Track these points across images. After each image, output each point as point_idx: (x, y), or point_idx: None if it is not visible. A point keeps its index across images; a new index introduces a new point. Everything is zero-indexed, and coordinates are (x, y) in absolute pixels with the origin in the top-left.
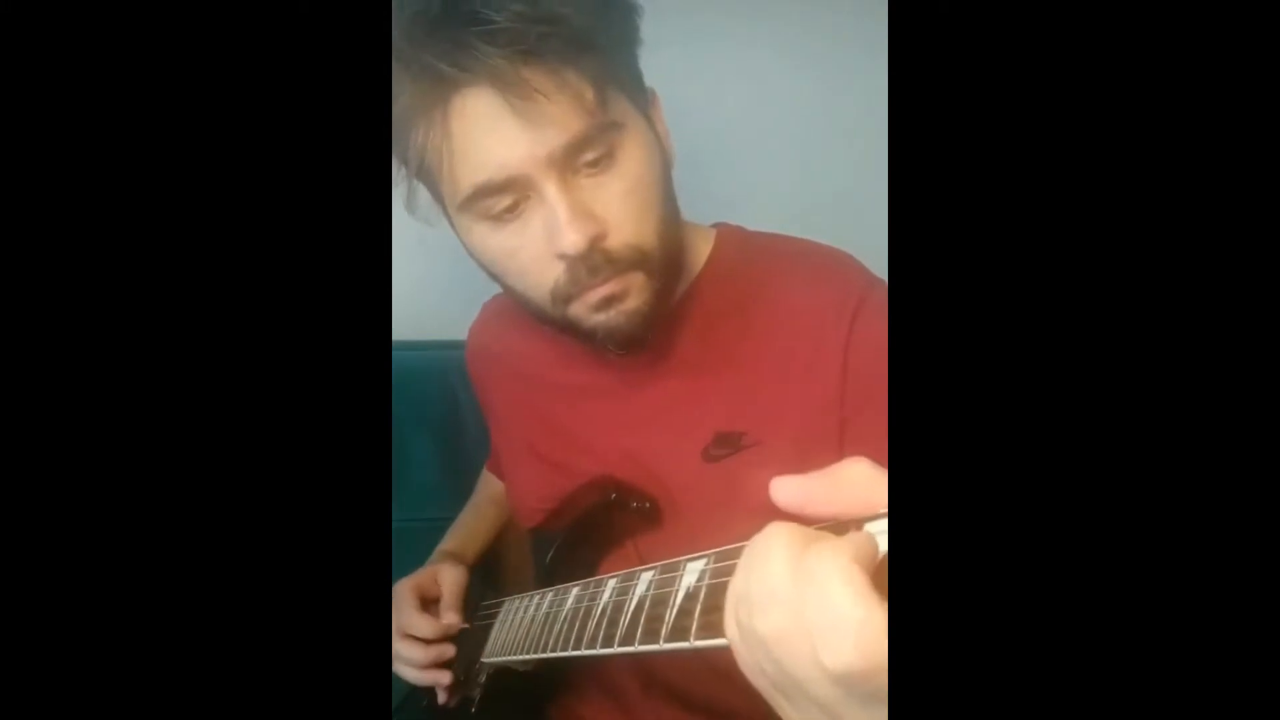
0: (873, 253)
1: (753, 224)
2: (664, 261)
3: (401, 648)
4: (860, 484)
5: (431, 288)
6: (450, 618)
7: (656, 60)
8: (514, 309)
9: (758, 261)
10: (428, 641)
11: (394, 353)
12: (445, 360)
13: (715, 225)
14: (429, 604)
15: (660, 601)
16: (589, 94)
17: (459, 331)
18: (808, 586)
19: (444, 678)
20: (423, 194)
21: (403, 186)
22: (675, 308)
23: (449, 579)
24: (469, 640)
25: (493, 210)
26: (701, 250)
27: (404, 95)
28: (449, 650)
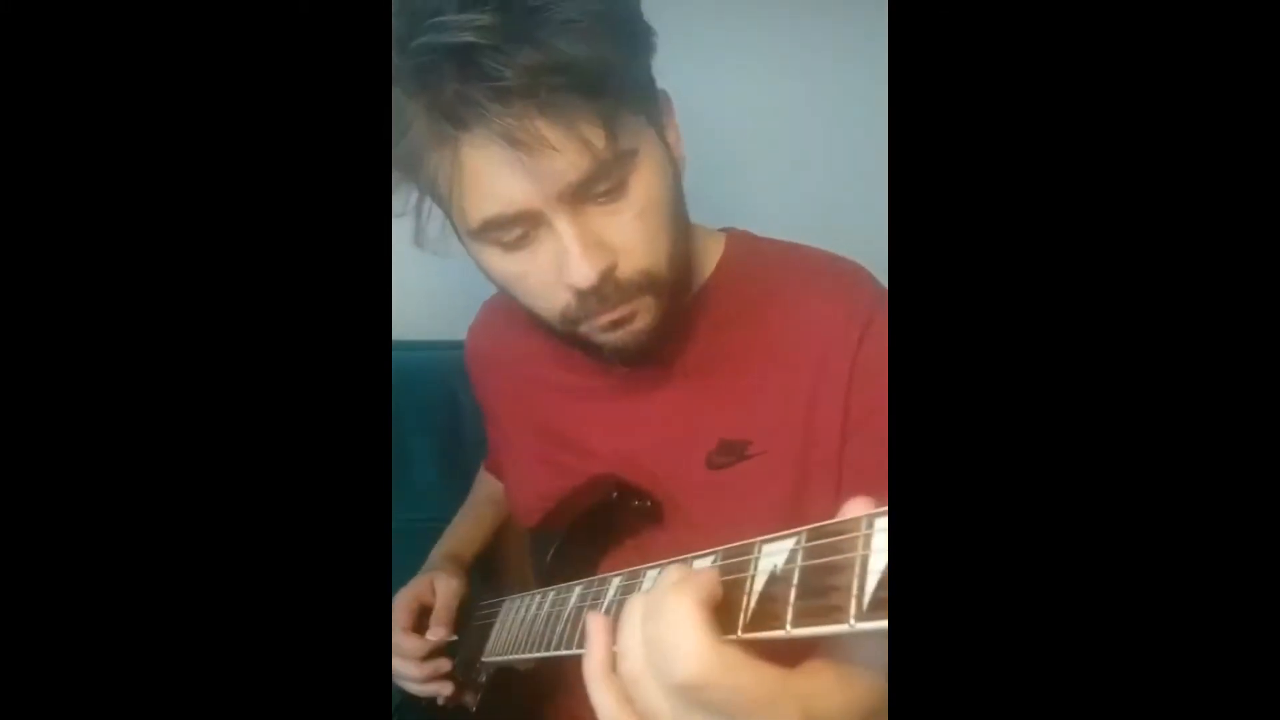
0: (873, 254)
1: (751, 226)
2: (673, 280)
3: (396, 664)
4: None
5: (431, 288)
6: (437, 632)
7: (657, 63)
8: (515, 309)
9: (768, 269)
10: (421, 658)
11: (394, 353)
12: (445, 360)
13: (725, 230)
14: (426, 613)
15: None
16: (600, 138)
17: (459, 331)
18: (649, 622)
19: (445, 689)
20: (434, 220)
21: (410, 218)
22: (682, 313)
23: (443, 590)
24: (469, 640)
25: (502, 239)
26: (710, 255)
27: (417, 126)
28: (445, 665)
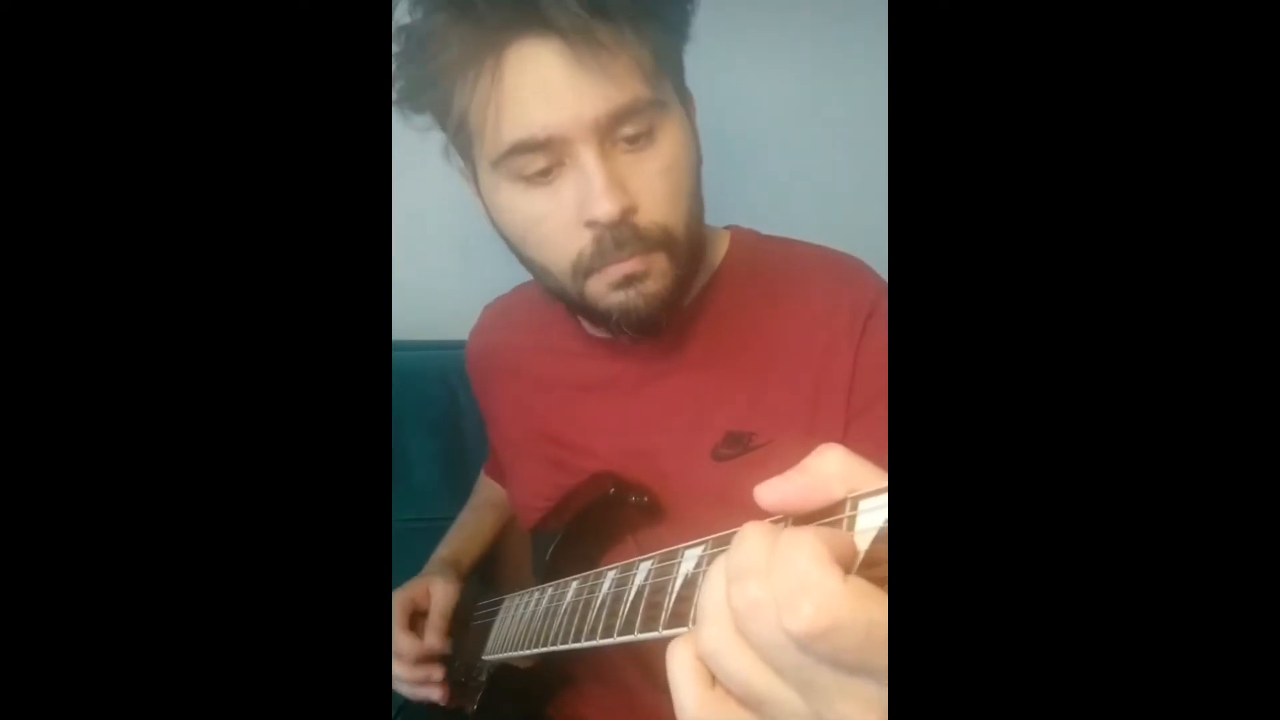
0: (873, 253)
1: (752, 224)
2: (687, 248)
3: (393, 664)
4: (836, 472)
5: (431, 288)
6: (432, 641)
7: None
8: (515, 312)
9: (772, 264)
10: (414, 661)
11: (394, 353)
12: (445, 360)
13: (728, 228)
14: (420, 618)
15: (659, 589)
16: (648, 61)
17: (459, 331)
18: (777, 563)
19: (434, 694)
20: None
21: (444, 139)
22: (689, 306)
23: (438, 596)
24: (469, 641)
25: (526, 171)
26: (716, 251)
27: (454, 48)
28: (437, 673)
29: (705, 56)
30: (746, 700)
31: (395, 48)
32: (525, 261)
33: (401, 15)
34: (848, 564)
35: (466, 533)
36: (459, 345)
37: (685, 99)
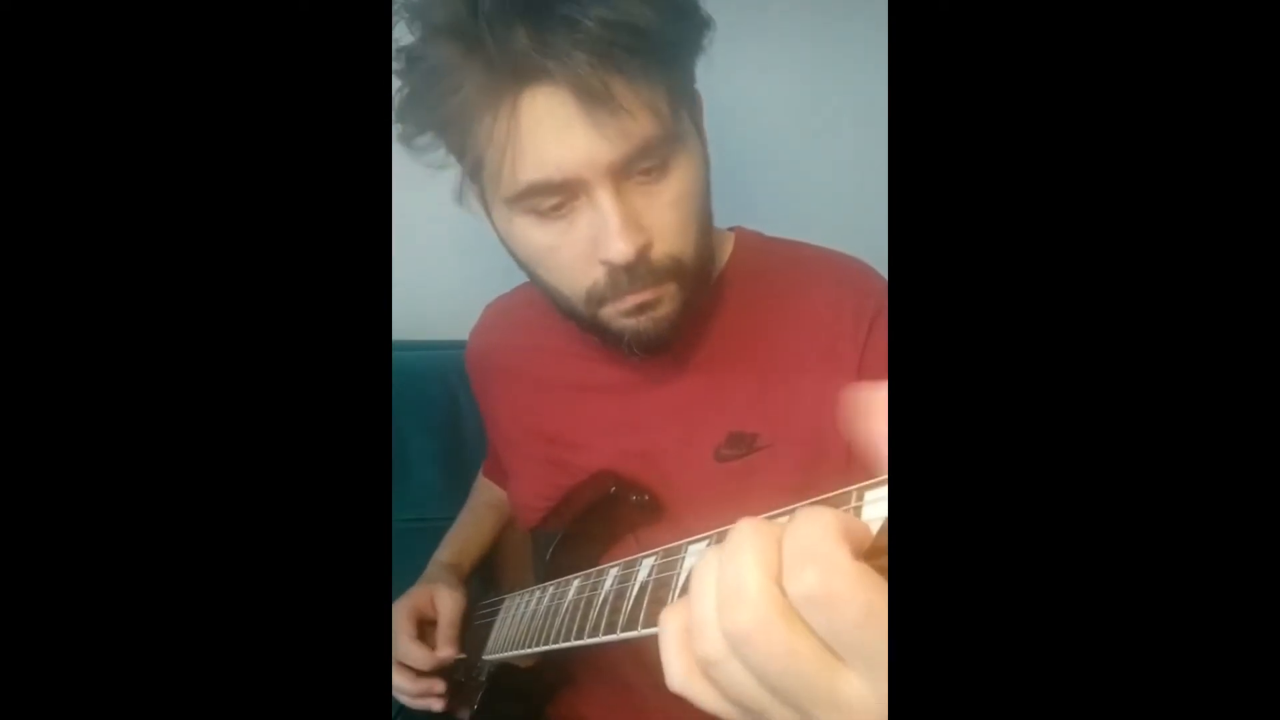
0: (873, 253)
1: (753, 225)
2: (697, 272)
3: (394, 675)
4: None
5: (431, 288)
6: (446, 651)
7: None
8: (516, 312)
9: (776, 266)
10: (420, 672)
11: (394, 353)
12: (445, 360)
13: (732, 229)
14: (425, 626)
15: (663, 585)
16: (664, 107)
17: (459, 331)
18: (791, 531)
19: (436, 705)
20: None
21: (455, 175)
22: (696, 308)
23: (446, 605)
24: (470, 641)
25: (540, 207)
26: (721, 252)
27: (472, 85)
28: (439, 685)
29: (707, 58)
30: (743, 708)
31: (396, 65)
32: (536, 282)
33: (402, 33)
34: (859, 548)
35: (466, 535)
36: (459, 345)
37: (694, 106)
